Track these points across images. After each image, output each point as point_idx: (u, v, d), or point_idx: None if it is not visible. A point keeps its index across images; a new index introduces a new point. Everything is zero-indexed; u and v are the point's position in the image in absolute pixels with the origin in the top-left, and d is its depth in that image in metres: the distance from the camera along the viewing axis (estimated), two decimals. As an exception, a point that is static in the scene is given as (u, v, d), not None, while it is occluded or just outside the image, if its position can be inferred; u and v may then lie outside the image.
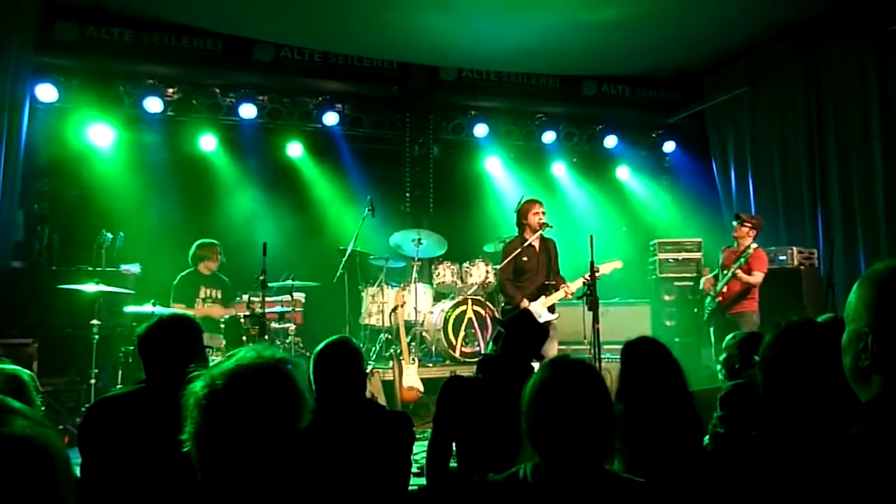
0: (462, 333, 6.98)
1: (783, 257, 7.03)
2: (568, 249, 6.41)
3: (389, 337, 6.92)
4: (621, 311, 7.81)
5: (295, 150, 8.48)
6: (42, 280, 6.58)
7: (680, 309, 7.98)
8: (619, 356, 2.82)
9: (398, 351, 6.44)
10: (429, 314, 7.27)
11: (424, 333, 7.14)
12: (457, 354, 6.94)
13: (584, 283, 5.45)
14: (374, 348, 6.99)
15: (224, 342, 5.82)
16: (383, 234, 7.54)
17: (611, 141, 9.36)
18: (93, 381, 5.48)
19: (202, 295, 6.28)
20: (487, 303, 7.21)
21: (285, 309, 6.70)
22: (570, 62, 8.33)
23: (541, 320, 5.80)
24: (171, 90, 7.71)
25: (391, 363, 6.45)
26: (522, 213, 5.99)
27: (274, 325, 6.68)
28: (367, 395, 3.25)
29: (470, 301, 7.10)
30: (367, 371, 4.92)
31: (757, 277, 6.15)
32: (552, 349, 5.87)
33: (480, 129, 8.80)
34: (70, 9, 6.93)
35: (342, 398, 2.59)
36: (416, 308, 6.97)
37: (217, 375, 1.38)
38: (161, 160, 7.92)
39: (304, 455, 1.41)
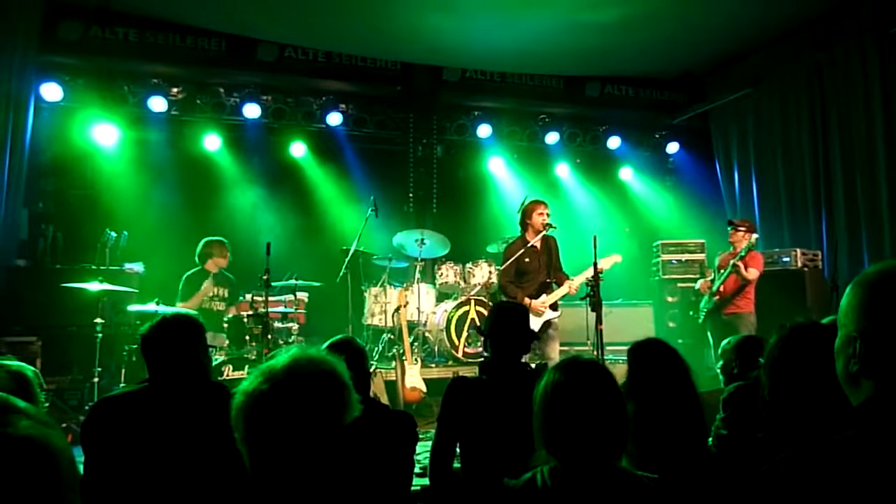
0: (465, 334, 6.97)
1: (787, 259, 6.99)
2: (571, 250, 6.40)
3: (392, 337, 6.92)
4: (624, 313, 7.81)
5: (298, 149, 8.49)
6: (46, 278, 6.58)
7: (683, 310, 7.97)
8: (621, 357, 2.82)
9: (401, 351, 6.44)
10: (431, 314, 7.26)
11: (427, 334, 7.14)
12: (459, 355, 6.93)
13: (587, 282, 5.39)
14: (376, 348, 6.99)
15: (227, 341, 5.82)
16: (386, 235, 7.55)
17: (614, 142, 9.35)
18: (96, 379, 5.48)
19: (209, 293, 6.29)
20: (490, 303, 7.19)
21: (288, 309, 6.70)
22: (573, 63, 8.32)
23: (543, 318, 5.82)
24: (175, 90, 7.72)
25: (394, 363, 6.45)
26: (527, 213, 5.97)
27: (277, 324, 6.67)
28: (370, 395, 3.25)
29: (473, 301, 7.09)
30: (370, 371, 4.91)
31: (753, 274, 6.15)
32: (554, 348, 5.86)
33: (484, 130, 8.80)
34: (74, 8, 6.93)
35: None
36: (418, 308, 6.97)
37: (273, 372, 1.41)
38: (165, 159, 7.93)
39: (346, 451, 1.46)
